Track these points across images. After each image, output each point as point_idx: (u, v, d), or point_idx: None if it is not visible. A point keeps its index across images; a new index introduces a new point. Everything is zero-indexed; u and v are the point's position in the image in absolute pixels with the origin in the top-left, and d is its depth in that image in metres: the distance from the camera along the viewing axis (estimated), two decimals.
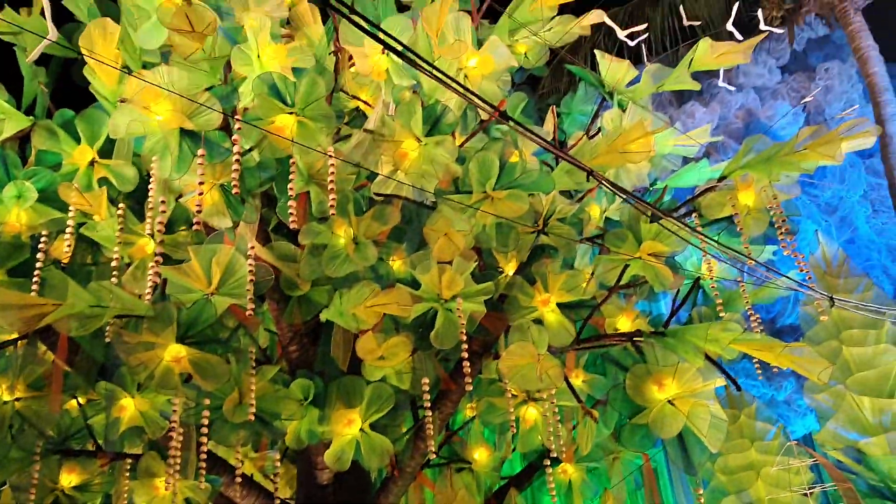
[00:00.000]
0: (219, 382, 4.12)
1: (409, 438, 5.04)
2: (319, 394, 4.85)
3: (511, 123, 3.20)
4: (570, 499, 5.46)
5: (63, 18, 4.95)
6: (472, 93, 2.95)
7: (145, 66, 4.18)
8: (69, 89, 5.01)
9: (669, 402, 3.82)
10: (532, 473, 5.70)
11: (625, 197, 3.51)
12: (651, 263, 4.34)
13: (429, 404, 4.38)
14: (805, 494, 5.74)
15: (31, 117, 4.47)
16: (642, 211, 4.04)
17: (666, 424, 3.78)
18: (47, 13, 3.31)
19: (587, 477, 5.53)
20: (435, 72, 2.68)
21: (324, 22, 4.96)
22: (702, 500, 4.23)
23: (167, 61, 3.81)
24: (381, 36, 2.74)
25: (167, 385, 3.96)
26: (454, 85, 2.86)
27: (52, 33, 3.26)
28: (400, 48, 2.72)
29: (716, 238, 4.45)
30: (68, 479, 5.03)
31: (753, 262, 4.33)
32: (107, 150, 4.40)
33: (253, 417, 4.27)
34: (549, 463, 4.91)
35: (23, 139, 4.67)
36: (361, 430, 4.62)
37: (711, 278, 4.67)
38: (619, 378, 4.52)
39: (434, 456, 4.56)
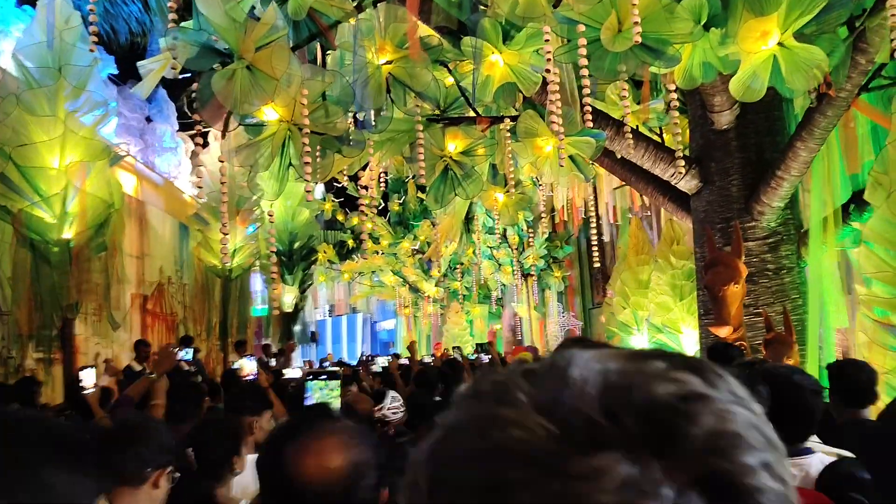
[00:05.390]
0: (589, 2, 3.34)
1: (845, 50, 3.80)
2: (717, 14, 3.83)
3: None
4: None
5: None
6: None
7: None
8: None
9: None
10: None
11: None
12: None
13: None
14: None
15: None
16: None
17: None
18: None
19: None
20: None
21: None
22: None
23: None
24: None
25: (533, 11, 3.30)
26: None
27: None
28: None
29: None
30: (453, 144, 5.00)
31: None
32: None
33: (639, 40, 3.46)
34: None
35: None
36: (780, 43, 3.54)
37: None
38: None
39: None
